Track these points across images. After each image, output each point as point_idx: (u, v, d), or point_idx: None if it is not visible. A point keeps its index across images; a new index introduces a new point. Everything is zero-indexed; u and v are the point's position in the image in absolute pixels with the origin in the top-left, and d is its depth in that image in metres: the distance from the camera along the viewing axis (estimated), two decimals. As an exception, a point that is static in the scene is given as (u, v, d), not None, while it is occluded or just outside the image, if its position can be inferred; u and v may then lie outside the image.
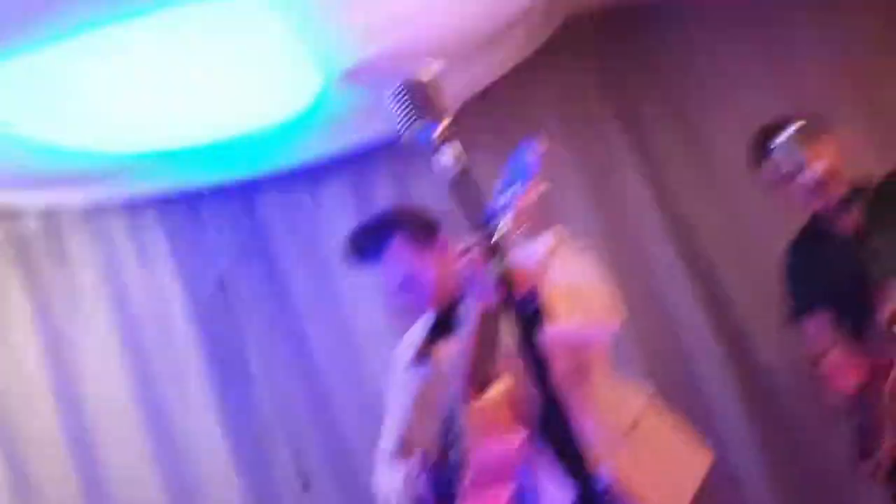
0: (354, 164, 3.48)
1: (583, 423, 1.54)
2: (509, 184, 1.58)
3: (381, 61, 2.86)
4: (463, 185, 1.51)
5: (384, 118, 3.22)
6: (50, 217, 3.15)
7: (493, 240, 1.62)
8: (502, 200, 1.60)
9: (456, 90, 2.78)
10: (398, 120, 1.55)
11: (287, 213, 3.45)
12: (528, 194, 1.55)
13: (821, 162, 2.29)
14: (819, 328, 2.61)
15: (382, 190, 3.49)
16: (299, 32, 2.66)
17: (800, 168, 2.21)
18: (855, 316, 2.45)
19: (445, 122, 1.53)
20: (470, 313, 1.83)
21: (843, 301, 2.52)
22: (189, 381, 3.13)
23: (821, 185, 2.24)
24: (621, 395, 2.12)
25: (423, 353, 2.25)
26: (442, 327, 2.13)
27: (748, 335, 3.31)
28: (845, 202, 2.30)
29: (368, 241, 2.20)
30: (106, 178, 3.11)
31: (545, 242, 2.12)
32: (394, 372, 2.35)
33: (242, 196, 3.43)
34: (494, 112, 3.48)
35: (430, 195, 3.32)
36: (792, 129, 2.25)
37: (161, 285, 3.23)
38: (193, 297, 3.23)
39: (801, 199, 2.48)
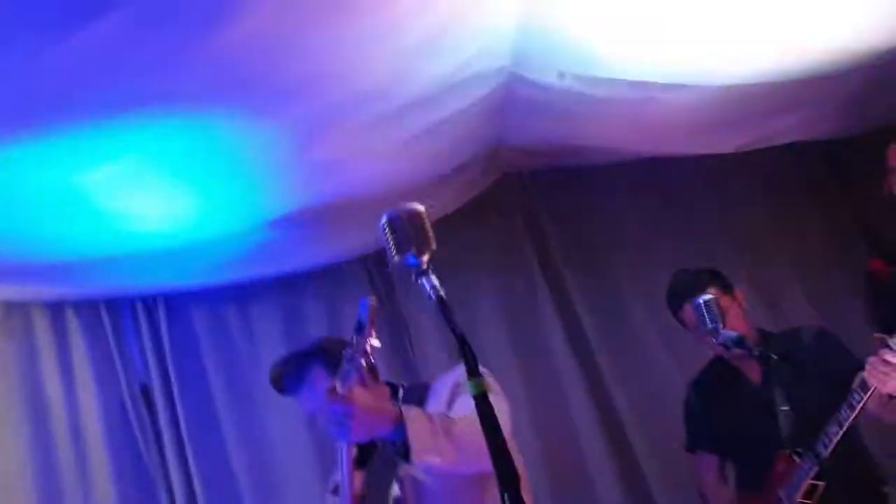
0: (286, 286, 3.53)
1: None
2: (353, 335, 1.77)
3: (325, 208, 2.95)
4: (444, 310, 1.60)
5: (320, 247, 3.36)
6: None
7: (345, 385, 1.78)
8: (348, 351, 1.80)
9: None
10: (389, 246, 1.62)
11: (215, 327, 3.42)
12: (362, 345, 1.73)
13: (737, 324, 2.53)
14: (710, 466, 2.80)
15: (313, 313, 3.53)
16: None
17: (717, 329, 2.43)
18: (751, 466, 2.64)
19: (431, 250, 1.65)
20: (342, 451, 1.91)
21: (740, 448, 2.71)
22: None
23: (737, 344, 2.45)
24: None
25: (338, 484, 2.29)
26: (364, 457, 2.18)
27: (646, 476, 3.49)
28: (753, 354, 2.52)
29: (288, 372, 2.25)
30: (33, 276, 3.05)
31: (454, 376, 2.21)
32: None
33: (171, 306, 3.38)
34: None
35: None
36: (710, 291, 2.49)
37: (78, 392, 3.11)
38: (110, 408, 3.13)
39: (715, 350, 2.71)
